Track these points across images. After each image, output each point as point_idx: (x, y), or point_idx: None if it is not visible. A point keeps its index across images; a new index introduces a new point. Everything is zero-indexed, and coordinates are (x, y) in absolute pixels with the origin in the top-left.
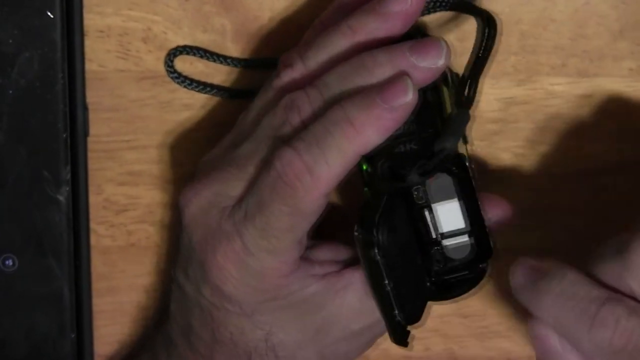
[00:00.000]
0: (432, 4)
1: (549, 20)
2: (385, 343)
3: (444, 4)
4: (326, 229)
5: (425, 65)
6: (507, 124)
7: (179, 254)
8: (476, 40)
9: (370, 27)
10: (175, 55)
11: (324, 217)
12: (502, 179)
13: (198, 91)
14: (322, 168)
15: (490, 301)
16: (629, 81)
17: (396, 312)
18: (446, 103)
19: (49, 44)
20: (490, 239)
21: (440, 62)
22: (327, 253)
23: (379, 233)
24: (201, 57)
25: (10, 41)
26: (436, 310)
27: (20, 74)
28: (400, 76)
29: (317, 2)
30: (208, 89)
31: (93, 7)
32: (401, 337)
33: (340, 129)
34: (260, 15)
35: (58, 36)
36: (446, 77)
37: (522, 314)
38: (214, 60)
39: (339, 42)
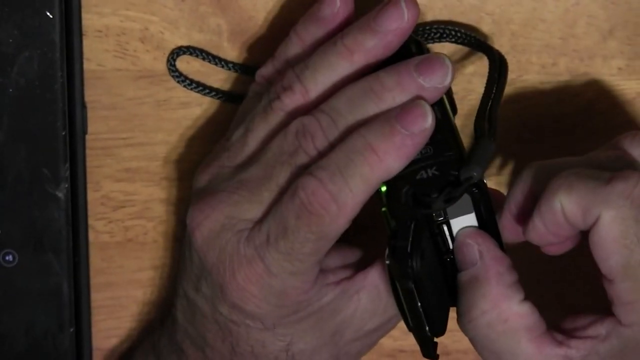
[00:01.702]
0: (438, 33)
1: (539, 20)
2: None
3: (452, 36)
4: None
5: (433, 85)
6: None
7: (187, 269)
8: (490, 76)
9: (367, 46)
10: (178, 55)
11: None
12: (493, 177)
13: (197, 92)
14: (347, 196)
15: None
16: (618, 80)
17: (427, 328)
18: (450, 115)
19: (48, 43)
20: (503, 244)
21: (447, 81)
22: (337, 260)
23: (412, 263)
24: (203, 59)
25: (10, 41)
26: None
27: (20, 74)
28: (417, 101)
29: (310, 2)
30: (207, 91)
31: (91, 7)
32: (432, 351)
33: (362, 158)
34: (255, 15)
35: (57, 36)
36: None
37: None
38: (216, 64)
39: (338, 63)
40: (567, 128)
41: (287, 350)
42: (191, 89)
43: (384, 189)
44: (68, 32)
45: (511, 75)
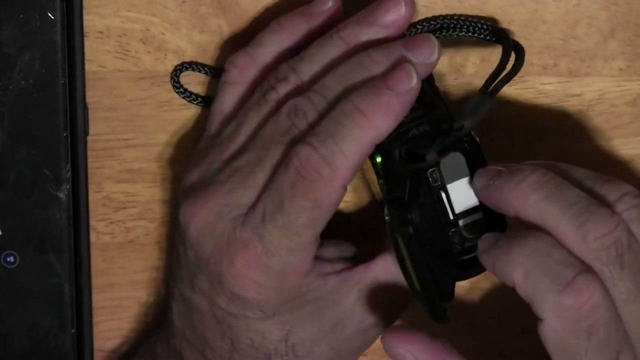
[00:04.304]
0: (466, 28)
1: (540, 21)
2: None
3: (481, 32)
4: (329, 230)
5: (421, 60)
6: (498, 122)
7: (181, 268)
8: (504, 56)
9: (363, 38)
10: (181, 71)
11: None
12: None
13: (203, 106)
14: (340, 159)
15: (483, 296)
16: (619, 80)
17: (435, 291)
18: (435, 85)
19: (49, 44)
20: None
21: (434, 57)
22: (334, 251)
23: (412, 210)
24: (206, 74)
25: (12, 42)
26: None
27: (21, 75)
28: (402, 63)
29: (310, 2)
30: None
31: (92, 8)
32: (442, 315)
33: (351, 120)
34: (256, 16)
35: (58, 37)
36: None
37: (514, 308)
38: (219, 78)
39: (332, 53)
40: (567, 129)
41: (286, 340)
42: (196, 104)
43: (379, 159)
44: (69, 33)
45: None
